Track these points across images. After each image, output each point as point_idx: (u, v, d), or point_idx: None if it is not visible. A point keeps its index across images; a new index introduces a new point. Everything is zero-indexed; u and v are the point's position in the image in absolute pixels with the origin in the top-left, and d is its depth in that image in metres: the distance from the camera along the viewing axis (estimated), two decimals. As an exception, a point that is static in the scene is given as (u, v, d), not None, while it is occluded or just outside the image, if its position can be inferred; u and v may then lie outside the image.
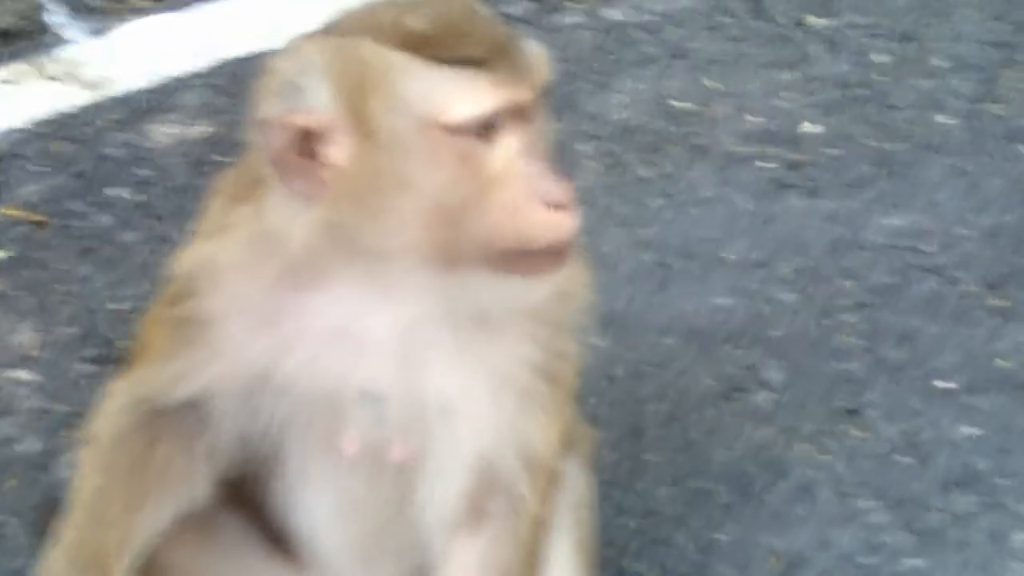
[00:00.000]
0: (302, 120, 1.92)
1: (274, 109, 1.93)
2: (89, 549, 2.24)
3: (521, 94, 1.94)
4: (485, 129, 1.92)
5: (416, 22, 1.95)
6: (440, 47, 1.91)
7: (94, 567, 2.20)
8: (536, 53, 2.00)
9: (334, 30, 2.00)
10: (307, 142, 1.93)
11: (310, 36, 2.01)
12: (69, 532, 2.27)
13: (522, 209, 1.96)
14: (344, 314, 2.07)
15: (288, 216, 1.99)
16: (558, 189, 1.95)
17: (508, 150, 1.95)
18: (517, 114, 1.95)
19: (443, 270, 1.99)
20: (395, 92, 1.94)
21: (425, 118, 1.90)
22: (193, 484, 2.27)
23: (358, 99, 1.95)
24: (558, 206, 1.95)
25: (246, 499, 2.45)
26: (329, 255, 2.02)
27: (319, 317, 2.08)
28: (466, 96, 1.91)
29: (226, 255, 2.05)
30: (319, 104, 1.94)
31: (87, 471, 2.30)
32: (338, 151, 1.94)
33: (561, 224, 1.97)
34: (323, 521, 2.35)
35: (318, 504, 2.34)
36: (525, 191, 1.95)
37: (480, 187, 1.94)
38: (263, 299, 2.08)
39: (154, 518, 2.27)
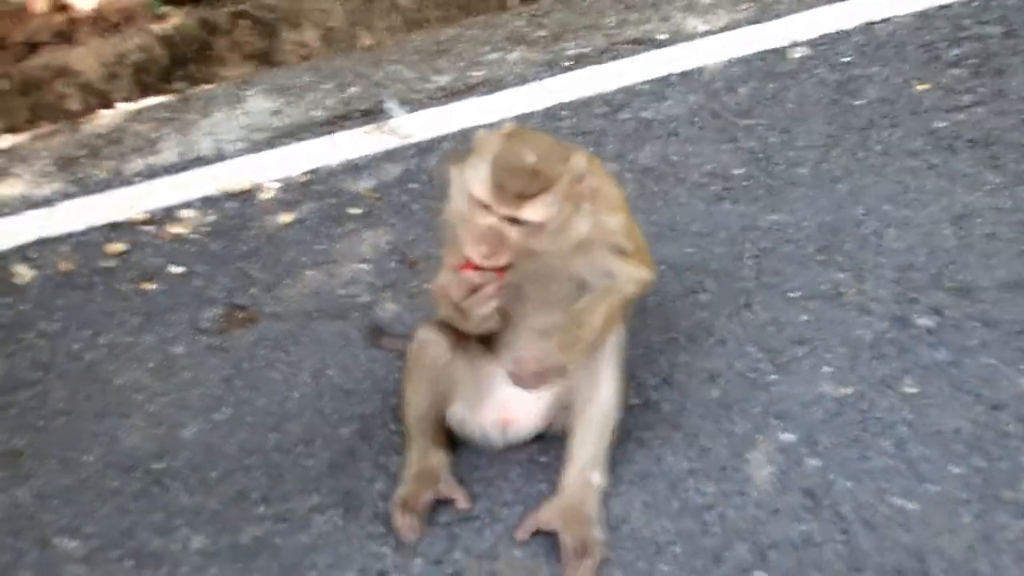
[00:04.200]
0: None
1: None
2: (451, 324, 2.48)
3: (500, 210, 2.13)
4: (485, 208, 2.15)
5: (492, 166, 2.12)
6: (495, 173, 2.10)
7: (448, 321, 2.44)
8: (537, 204, 2.10)
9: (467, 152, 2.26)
10: None
11: (461, 154, 2.26)
12: (443, 313, 2.43)
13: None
14: None
15: None
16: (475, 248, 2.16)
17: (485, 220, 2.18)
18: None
19: None
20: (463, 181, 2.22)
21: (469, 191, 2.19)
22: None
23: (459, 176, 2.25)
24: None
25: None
26: None
27: None
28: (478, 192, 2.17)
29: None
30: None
31: (442, 307, 2.41)
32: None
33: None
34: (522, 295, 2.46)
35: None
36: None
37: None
38: None
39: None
